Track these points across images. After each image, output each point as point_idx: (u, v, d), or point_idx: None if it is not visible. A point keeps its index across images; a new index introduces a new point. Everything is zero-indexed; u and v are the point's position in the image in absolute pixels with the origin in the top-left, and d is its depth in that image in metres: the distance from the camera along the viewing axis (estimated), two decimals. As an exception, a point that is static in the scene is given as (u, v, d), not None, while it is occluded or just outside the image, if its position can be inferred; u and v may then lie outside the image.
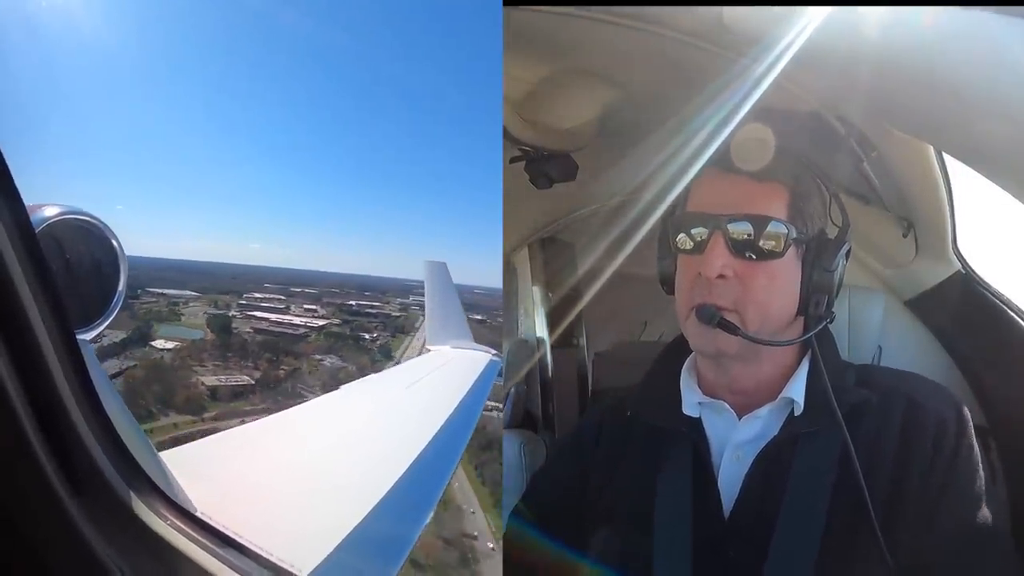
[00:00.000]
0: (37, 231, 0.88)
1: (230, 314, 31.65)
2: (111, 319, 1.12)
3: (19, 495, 0.72)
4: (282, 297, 36.39)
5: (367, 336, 32.62)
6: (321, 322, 33.28)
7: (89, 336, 1.08)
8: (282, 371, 26.25)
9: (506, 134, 1.69)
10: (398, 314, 36.45)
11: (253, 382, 24.65)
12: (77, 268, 1.11)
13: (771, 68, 1.10)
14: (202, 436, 1.97)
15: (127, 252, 1.22)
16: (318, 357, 28.49)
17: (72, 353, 0.78)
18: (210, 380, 23.61)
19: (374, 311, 36.67)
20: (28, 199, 0.76)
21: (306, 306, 35.46)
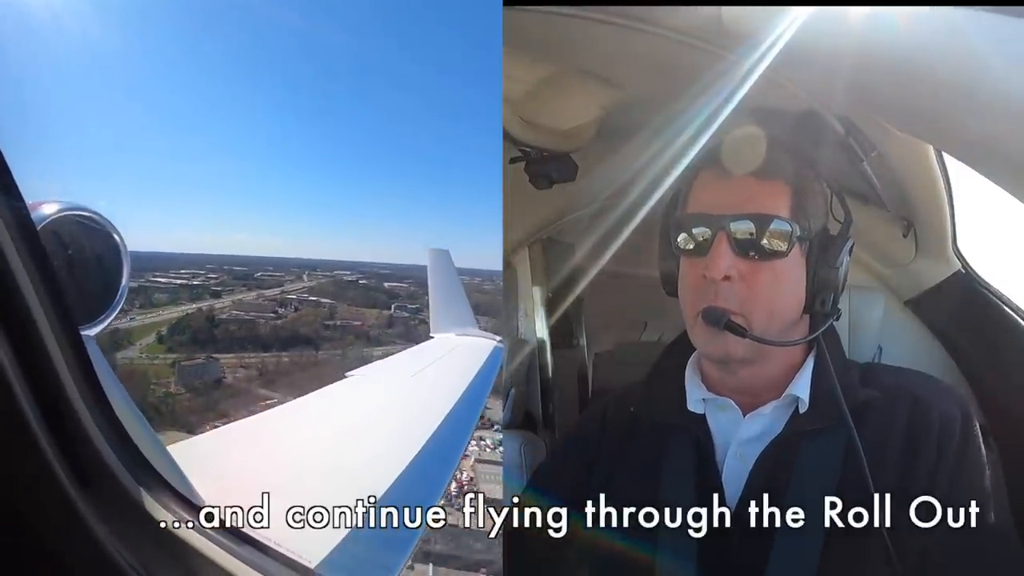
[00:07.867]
0: (39, 228, 0.88)
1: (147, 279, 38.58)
2: (115, 314, 1.13)
3: (26, 489, 0.72)
4: (214, 276, 39.93)
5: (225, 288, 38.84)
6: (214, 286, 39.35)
7: (93, 332, 1.08)
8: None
9: (506, 134, 1.69)
10: (293, 280, 39.89)
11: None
12: (79, 264, 1.11)
13: (771, 68, 1.10)
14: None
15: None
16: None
17: (76, 349, 0.79)
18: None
19: (270, 279, 40.25)
20: (28, 195, 0.76)
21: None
